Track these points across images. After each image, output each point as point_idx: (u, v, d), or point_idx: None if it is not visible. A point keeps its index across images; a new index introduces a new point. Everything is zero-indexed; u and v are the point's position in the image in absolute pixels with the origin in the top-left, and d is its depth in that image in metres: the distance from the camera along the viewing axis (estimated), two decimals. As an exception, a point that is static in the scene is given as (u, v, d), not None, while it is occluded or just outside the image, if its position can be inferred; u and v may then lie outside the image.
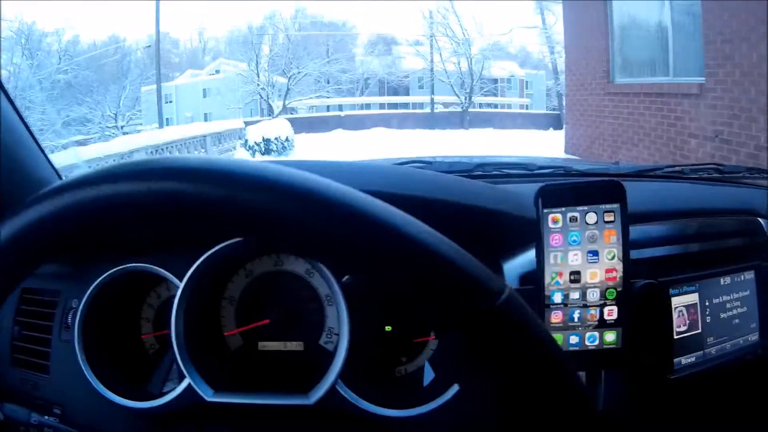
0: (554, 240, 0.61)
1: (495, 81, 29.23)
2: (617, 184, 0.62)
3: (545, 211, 0.61)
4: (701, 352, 0.81)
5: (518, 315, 0.27)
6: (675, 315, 0.77)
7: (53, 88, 21.65)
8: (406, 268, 0.26)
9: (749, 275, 0.91)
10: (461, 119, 26.51)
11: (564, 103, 29.74)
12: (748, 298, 0.89)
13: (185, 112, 26.48)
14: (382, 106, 29.51)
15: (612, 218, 0.62)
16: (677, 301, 0.77)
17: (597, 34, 7.41)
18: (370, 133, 20.46)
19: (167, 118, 25.94)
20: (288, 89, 26.01)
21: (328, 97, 28.25)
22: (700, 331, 0.80)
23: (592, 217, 0.61)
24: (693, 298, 0.80)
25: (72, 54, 22.83)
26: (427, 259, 0.26)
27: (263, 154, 12.77)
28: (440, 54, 27.80)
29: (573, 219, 0.61)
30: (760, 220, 1.00)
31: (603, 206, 0.61)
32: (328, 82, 28.07)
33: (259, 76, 25.96)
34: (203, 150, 11.01)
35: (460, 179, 0.79)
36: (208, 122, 18.13)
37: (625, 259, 0.61)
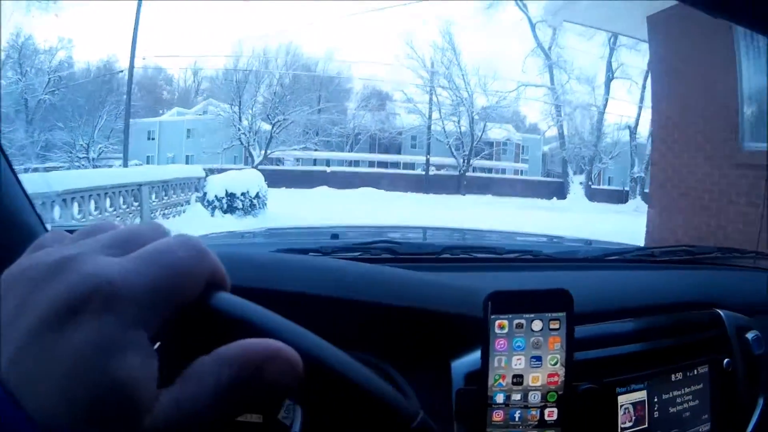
0: (499, 344, 0.66)
1: (491, 144, 29.11)
2: (565, 293, 0.67)
3: (492, 317, 0.66)
4: (647, 445, 0.85)
5: None
6: (621, 412, 0.82)
7: (38, 109, 21.53)
8: (342, 401, 0.32)
9: (703, 369, 0.95)
10: (457, 183, 26.20)
11: (577, 169, 28.14)
12: (701, 391, 0.93)
13: (167, 152, 26.15)
14: (371, 164, 28.82)
15: (557, 326, 0.67)
16: (624, 399, 0.82)
17: (715, 78, 5.10)
18: (357, 193, 19.29)
19: (148, 156, 25.73)
20: (271, 137, 24.62)
21: (315, 150, 27.08)
22: (647, 426, 0.85)
23: (537, 324, 0.66)
24: (641, 395, 0.85)
25: (62, 76, 22.78)
26: (356, 393, 0.33)
27: (225, 212, 11.01)
28: (440, 111, 27.20)
29: (519, 325, 0.66)
30: (720, 312, 1.04)
31: (549, 314, 0.67)
32: (317, 134, 26.81)
33: (241, 119, 24.62)
34: (136, 203, 9.13)
35: (416, 277, 0.85)
36: (189, 165, 17.33)
37: (568, 365, 0.66)
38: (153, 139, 26.96)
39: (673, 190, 5.78)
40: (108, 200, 8.36)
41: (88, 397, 0.22)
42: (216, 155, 24.69)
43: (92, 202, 7.91)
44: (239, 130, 24.56)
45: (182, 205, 10.91)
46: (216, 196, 11.08)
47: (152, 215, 9.47)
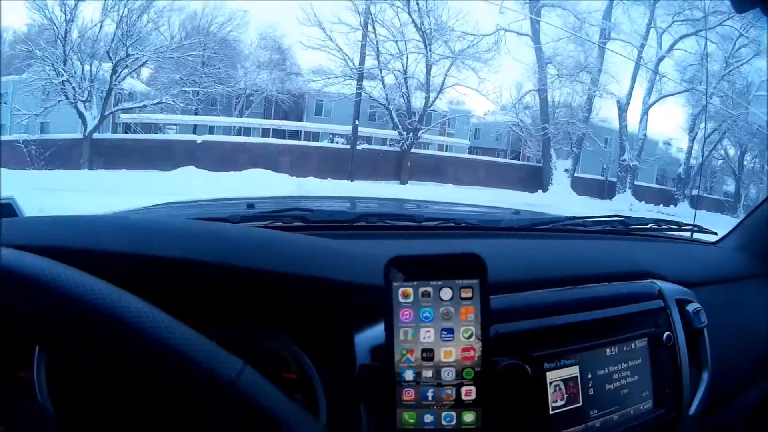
0: (404, 315, 0.68)
1: (413, 115, 23.61)
2: (476, 258, 0.69)
3: (395, 284, 0.68)
4: (583, 425, 0.91)
5: (252, 391, 0.38)
6: (551, 389, 0.87)
7: None
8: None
9: (641, 343, 1.02)
10: (398, 165, 21.84)
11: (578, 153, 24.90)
12: (640, 367, 1.01)
13: (20, 120, 20.97)
14: (265, 133, 24.37)
15: (470, 294, 0.69)
16: (553, 376, 0.88)
17: None
18: (242, 178, 14.46)
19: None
20: (111, 86, 18.12)
21: (195, 113, 21.67)
22: (581, 404, 0.91)
23: (447, 293, 0.69)
24: (572, 371, 0.91)
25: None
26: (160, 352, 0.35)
27: None
28: (377, 57, 21.93)
29: (426, 294, 0.69)
30: (657, 282, 1.12)
31: (459, 282, 0.69)
32: (198, 95, 20.90)
33: (66, 59, 17.79)
34: None
35: (315, 244, 0.86)
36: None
37: (484, 338, 0.69)
38: (6, 103, 22.07)
39: None
40: None
41: None
42: (38, 121, 19.50)
43: None
44: (61, 75, 17.57)
45: None
46: None
47: None
